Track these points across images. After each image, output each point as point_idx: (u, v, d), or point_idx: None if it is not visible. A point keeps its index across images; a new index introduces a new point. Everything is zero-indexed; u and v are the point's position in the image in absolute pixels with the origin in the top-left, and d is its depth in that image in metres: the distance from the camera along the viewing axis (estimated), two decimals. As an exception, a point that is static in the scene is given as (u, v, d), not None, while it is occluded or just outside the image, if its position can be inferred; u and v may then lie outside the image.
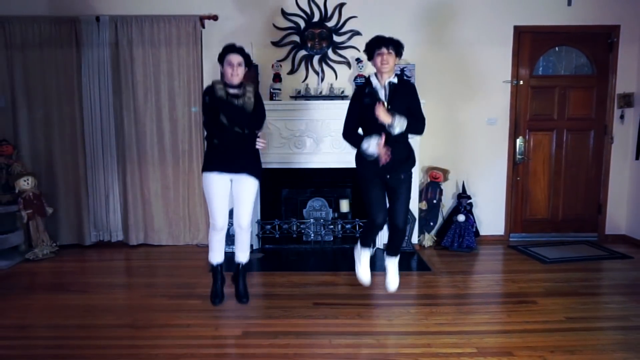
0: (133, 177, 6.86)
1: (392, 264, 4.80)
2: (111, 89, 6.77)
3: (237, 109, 4.31)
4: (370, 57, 4.42)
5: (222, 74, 4.44)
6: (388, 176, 4.44)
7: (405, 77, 4.47)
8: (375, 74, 4.42)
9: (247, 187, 4.52)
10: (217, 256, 4.75)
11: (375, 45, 4.33)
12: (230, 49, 4.38)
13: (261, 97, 4.61)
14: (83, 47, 6.63)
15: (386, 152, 4.23)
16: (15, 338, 4.25)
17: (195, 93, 6.72)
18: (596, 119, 7.12)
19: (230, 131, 4.33)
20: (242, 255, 4.78)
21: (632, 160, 7.05)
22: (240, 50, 4.39)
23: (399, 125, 4.22)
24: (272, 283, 5.47)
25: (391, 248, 4.80)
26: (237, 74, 4.31)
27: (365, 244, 4.80)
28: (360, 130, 4.58)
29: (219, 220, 4.54)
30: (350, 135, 4.55)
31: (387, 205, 4.61)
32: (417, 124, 4.43)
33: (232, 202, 4.62)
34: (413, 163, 4.61)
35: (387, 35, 4.40)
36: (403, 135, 4.39)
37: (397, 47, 4.36)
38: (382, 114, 4.19)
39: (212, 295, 4.76)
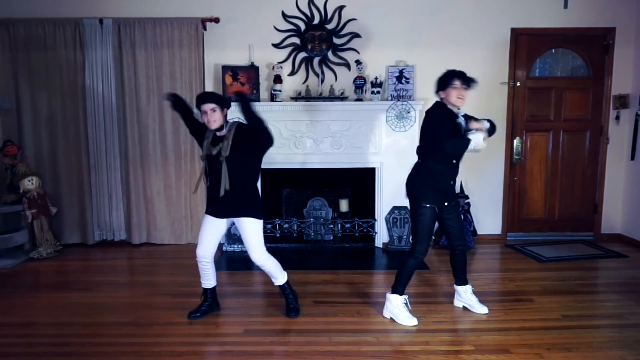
0: (136, 177, 6.92)
1: (469, 292, 4.73)
2: (114, 91, 6.81)
3: (217, 162, 4.31)
4: (443, 88, 4.39)
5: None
6: (446, 203, 4.45)
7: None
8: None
9: (247, 228, 4.44)
10: (205, 282, 4.68)
11: (453, 79, 4.34)
12: (200, 98, 4.38)
13: (247, 135, 4.39)
14: (86, 49, 6.68)
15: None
16: (20, 336, 4.29)
17: (196, 94, 6.72)
18: (592, 120, 7.17)
19: (214, 180, 4.38)
20: (275, 281, 4.70)
21: (627, 160, 7.10)
22: (210, 97, 4.37)
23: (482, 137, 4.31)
24: (272, 282, 5.50)
25: (462, 273, 4.73)
26: (214, 120, 4.29)
27: (401, 290, 4.53)
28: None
29: (200, 250, 4.51)
30: (451, 141, 4.34)
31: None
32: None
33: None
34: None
35: (462, 70, 4.42)
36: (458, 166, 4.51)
37: (469, 82, 4.39)
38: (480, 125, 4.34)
39: (194, 309, 4.67)
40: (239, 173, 4.32)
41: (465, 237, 4.63)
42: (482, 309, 4.64)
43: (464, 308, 4.75)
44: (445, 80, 4.37)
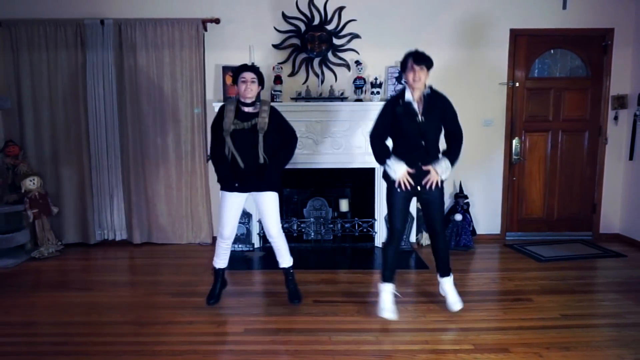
0: (137, 177, 6.94)
1: (447, 284, 4.73)
2: (115, 91, 6.83)
3: (247, 135, 4.45)
4: (403, 71, 4.46)
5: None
6: (419, 188, 4.47)
7: (437, 91, 4.50)
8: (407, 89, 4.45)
9: (267, 201, 4.62)
10: (220, 262, 4.88)
11: (407, 61, 4.37)
12: (243, 67, 4.50)
13: (284, 118, 4.72)
14: (88, 50, 6.71)
15: (407, 182, 4.38)
16: (21, 335, 4.31)
17: (197, 95, 6.81)
18: (591, 120, 7.19)
19: (239, 154, 4.49)
20: (283, 261, 4.85)
21: (626, 160, 7.12)
22: (253, 68, 4.51)
23: (447, 172, 4.38)
24: (273, 281, 5.51)
25: (440, 264, 4.74)
26: (251, 89, 4.45)
27: (385, 277, 4.63)
28: (390, 142, 4.63)
29: (226, 230, 4.68)
30: (378, 141, 4.56)
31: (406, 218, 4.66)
32: (457, 150, 4.49)
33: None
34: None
35: (419, 50, 4.43)
36: (435, 152, 4.47)
37: (429, 63, 4.39)
38: (434, 177, 4.37)
39: (209, 295, 4.89)
40: (269, 149, 4.51)
41: (441, 226, 4.59)
42: (455, 306, 4.65)
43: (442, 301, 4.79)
44: (403, 63, 4.43)
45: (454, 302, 4.64)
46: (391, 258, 4.60)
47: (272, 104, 6.44)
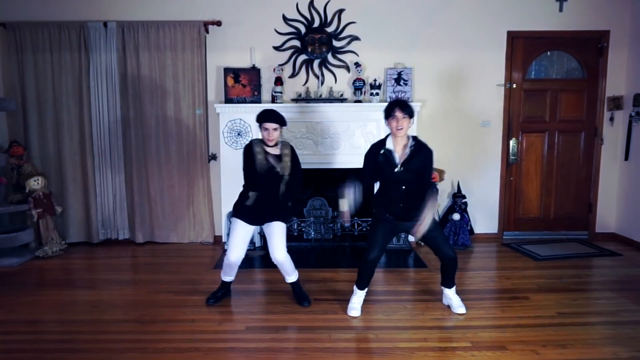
0: (139, 177, 6.99)
1: (452, 294, 4.79)
2: (118, 92, 6.88)
3: (274, 175, 4.67)
4: (386, 119, 4.49)
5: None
6: (404, 223, 4.57)
7: (421, 142, 4.55)
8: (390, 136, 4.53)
9: (275, 230, 4.78)
10: (227, 277, 5.00)
11: (391, 109, 4.41)
12: (265, 117, 4.65)
13: (298, 159, 4.91)
14: (91, 52, 6.76)
15: (346, 220, 4.87)
16: (25, 333, 4.32)
17: (199, 96, 6.86)
18: (587, 121, 7.24)
19: (264, 191, 4.71)
20: (289, 278, 4.97)
21: (621, 161, 7.17)
22: (275, 118, 4.66)
23: (429, 217, 4.42)
24: (273, 280, 5.54)
25: (445, 279, 4.77)
26: (274, 137, 4.66)
27: (359, 285, 4.74)
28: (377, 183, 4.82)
29: (233, 255, 4.78)
30: (366, 184, 4.82)
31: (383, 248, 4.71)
32: (429, 202, 4.48)
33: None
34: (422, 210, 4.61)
35: (400, 98, 4.50)
36: (417, 195, 4.48)
37: (412, 112, 4.44)
38: (420, 231, 4.44)
39: (210, 295, 4.99)
40: (287, 187, 4.77)
41: (451, 249, 4.63)
42: (460, 309, 4.71)
43: (448, 307, 4.83)
44: (387, 110, 4.48)
45: (458, 306, 4.72)
46: (365, 274, 4.69)
47: (273, 105, 6.58)
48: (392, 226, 4.62)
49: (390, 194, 4.54)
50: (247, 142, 4.90)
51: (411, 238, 6.93)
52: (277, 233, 4.77)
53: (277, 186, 4.70)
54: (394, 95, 6.81)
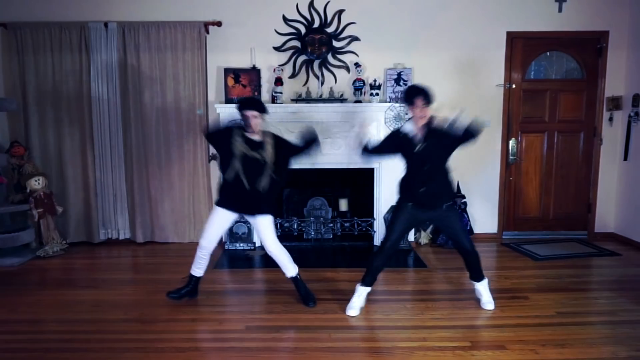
0: (140, 177, 7.00)
1: (481, 287, 4.85)
2: (119, 92, 6.90)
3: (254, 163, 4.63)
4: (408, 105, 4.53)
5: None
6: (425, 213, 4.63)
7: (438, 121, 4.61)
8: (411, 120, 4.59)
9: (263, 224, 4.79)
10: (196, 270, 4.95)
11: (415, 98, 4.45)
12: (247, 104, 4.66)
13: (284, 140, 4.89)
14: (92, 52, 6.77)
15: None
16: (27, 332, 4.35)
17: (199, 96, 6.87)
18: (586, 121, 7.26)
19: (243, 181, 4.64)
20: (287, 272, 4.94)
21: (620, 160, 7.18)
22: (256, 105, 4.67)
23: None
24: (273, 279, 5.56)
25: (472, 273, 4.84)
26: (256, 125, 4.63)
27: (365, 281, 4.74)
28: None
29: (204, 241, 4.81)
30: (371, 152, 4.78)
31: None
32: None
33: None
34: (449, 198, 4.69)
35: (426, 88, 4.51)
36: (439, 173, 4.58)
37: (431, 99, 4.49)
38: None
39: (174, 290, 4.98)
40: (271, 177, 4.66)
41: (470, 243, 4.69)
42: (488, 305, 4.77)
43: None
44: (409, 98, 4.50)
45: (488, 301, 4.78)
46: (375, 268, 4.73)
47: (273, 105, 6.60)
48: (412, 217, 4.64)
49: (413, 175, 4.57)
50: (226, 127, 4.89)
51: (411, 237, 6.98)
52: (263, 227, 4.77)
53: (256, 174, 4.63)
54: (393, 96, 6.84)
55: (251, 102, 4.70)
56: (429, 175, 4.51)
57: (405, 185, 4.66)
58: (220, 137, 4.74)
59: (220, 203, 4.79)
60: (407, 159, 4.60)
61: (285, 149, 4.77)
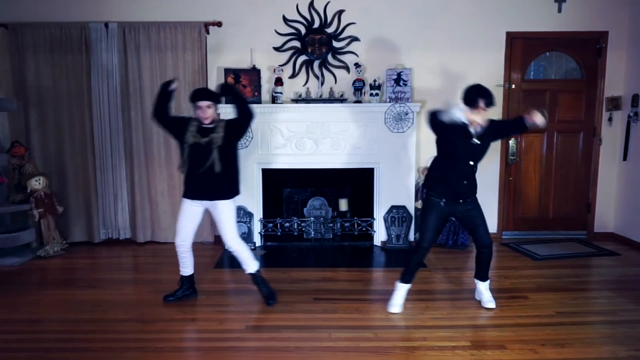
0: (140, 177, 7.01)
1: (484, 287, 4.88)
2: (119, 93, 6.91)
3: (203, 149, 4.60)
4: (469, 106, 4.42)
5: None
6: (458, 206, 4.63)
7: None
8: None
9: (221, 211, 4.73)
10: (183, 270, 4.98)
11: (477, 100, 4.36)
12: (198, 95, 4.66)
13: (235, 118, 4.78)
14: (92, 52, 6.79)
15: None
16: (27, 332, 4.35)
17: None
18: (585, 122, 7.27)
19: (198, 166, 4.64)
20: (247, 267, 4.91)
21: (620, 160, 7.19)
22: (207, 95, 4.67)
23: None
24: (274, 279, 5.50)
25: (481, 270, 4.86)
26: (208, 115, 4.61)
27: (405, 278, 4.77)
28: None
29: (178, 238, 4.83)
30: (435, 121, 4.54)
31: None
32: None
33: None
34: (476, 190, 4.73)
35: (489, 90, 4.46)
36: (476, 170, 4.64)
37: (493, 102, 4.45)
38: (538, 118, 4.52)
39: (169, 294, 5.01)
40: (226, 160, 4.63)
41: (490, 238, 4.72)
42: (489, 304, 4.79)
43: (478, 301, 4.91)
44: (472, 99, 4.41)
45: (489, 300, 4.81)
46: (414, 265, 4.74)
47: (273, 105, 6.62)
48: (443, 213, 4.66)
49: (455, 169, 4.55)
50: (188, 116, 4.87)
51: (411, 237, 6.99)
52: (221, 214, 4.73)
53: (206, 159, 4.59)
54: (393, 96, 6.84)
55: (203, 93, 4.69)
56: (472, 170, 4.57)
57: (441, 179, 4.60)
58: (175, 124, 4.76)
59: (185, 194, 4.79)
60: (454, 150, 4.52)
61: (235, 127, 4.73)
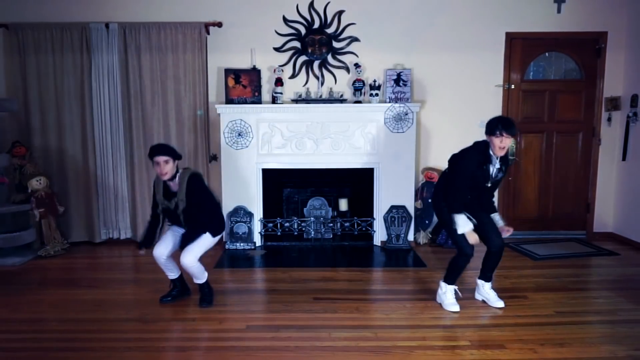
0: (141, 177, 7.02)
1: (488, 288, 4.92)
2: (120, 93, 6.91)
3: (173, 212, 4.75)
4: (490, 135, 4.47)
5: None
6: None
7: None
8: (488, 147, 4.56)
9: (200, 238, 4.74)
10: (169, 274, 4.99)
11: (498, 128, 4.40)
12: (154, 151, 4.64)
13: (200, 187, 4.78)
14: (93, 53, 6.79)
15: (475, 240, 4.58)
16: (28, 332, 4.34)
17: (200, 96, 6.89)
18: (584, 122, 7.28)
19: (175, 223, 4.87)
20: (197, 281, 4.88)
21: (619, 161, 7.20)
22: (163, 150, 4.65)
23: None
24: (274, 279, 5.60)
25: (488, 272, 4.89)
26: (166, 171, 4.57)
27: (451, 281, 4.81)
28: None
29: (155, 251, 4.81)
30: (461, 195, 4.61)
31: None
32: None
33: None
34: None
35: (505, 117, 4.58)
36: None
37: (515, 131, 4.49)
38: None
39: (164, 295, 5.02)
40: (196, 216, 4.69)
41: (500, 239, 4.72)
42: (498, 303, 4.82)
43: (483, 301, 4.92)
44: (492, 128, 4.45)
45: (496, 300, 4.83)
46: (459, 268, 4.76)
47: (273, 106, 6.62)
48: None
49: (473, 196, 4.66)
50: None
51: (410, 237, 7.01)
52: (196, 240, 4.72)
53: (177, 220, 4.77)
54: (393, 96, 6.86)
55: (158, 148, 4.66)
56: (488, 196, 4.79)
57: (457, 200, 4.60)
58: (154, 197, 4.89)
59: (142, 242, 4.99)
60: (476, 185, 4.63)
61: (197, 190, 4.72)
